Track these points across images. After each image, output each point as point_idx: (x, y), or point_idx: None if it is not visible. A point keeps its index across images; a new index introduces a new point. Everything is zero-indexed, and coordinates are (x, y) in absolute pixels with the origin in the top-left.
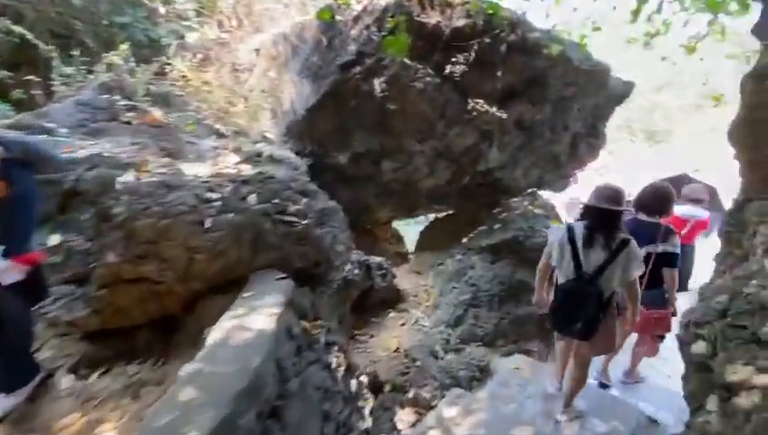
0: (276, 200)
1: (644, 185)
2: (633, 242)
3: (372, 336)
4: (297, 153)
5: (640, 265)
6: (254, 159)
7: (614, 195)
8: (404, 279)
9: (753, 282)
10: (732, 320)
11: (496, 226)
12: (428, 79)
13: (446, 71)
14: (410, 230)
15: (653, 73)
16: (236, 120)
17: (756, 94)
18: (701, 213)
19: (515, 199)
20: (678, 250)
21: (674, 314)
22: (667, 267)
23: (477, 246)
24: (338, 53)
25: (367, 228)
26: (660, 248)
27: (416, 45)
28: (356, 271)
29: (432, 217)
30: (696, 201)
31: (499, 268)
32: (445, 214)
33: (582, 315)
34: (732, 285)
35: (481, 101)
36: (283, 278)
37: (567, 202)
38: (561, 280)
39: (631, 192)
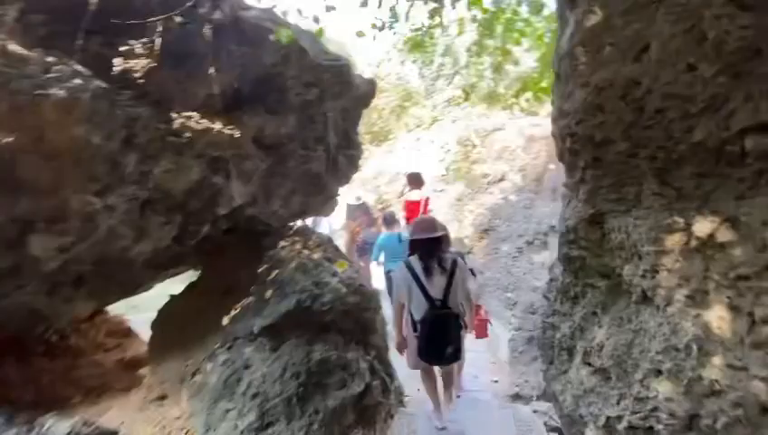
0: None
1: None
2: (460, 259)
3: None
4: None
5: (471, 275)
6: None
7: (431, 225)
8: (139, 421)
9: (717, 362)
10: None
11: (268, 294)
12: (79, 82)
13: (117, 68)
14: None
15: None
16: None
17: (599, 69)
18: (425, 193)
19: (284, 244)
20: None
21: None
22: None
23: (248, 330)
24: None
25: (51, 342)
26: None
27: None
28: None
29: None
30: (418, 184)
31: (288, 354)
32: (188, 284)
33: (449, 340)
34: (670, 364)
35: (194, 114)
36: None
37: (348, 205)
38: (417, 315)
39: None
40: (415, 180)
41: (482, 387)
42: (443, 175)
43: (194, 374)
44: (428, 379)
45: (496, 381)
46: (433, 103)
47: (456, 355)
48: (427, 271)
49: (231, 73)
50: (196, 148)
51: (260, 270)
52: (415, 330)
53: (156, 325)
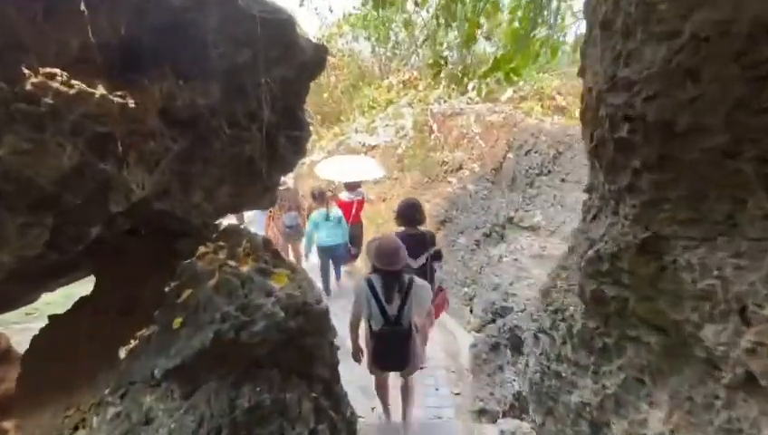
0: None
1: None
2: (417, 279)
3: None
4: None
5: (429, 293)
6: None
7: (395, 253)
8: None
9: None
10: None
11: (177, 323)
12: None
13: None
14: None
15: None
16: None
17: (699, 8)
18: (359, 195)
19: (205, 250)
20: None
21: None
22: (436, 261)
23: (147, 373)
24: None
25: None
26: (432, 251)
27: None
28: None
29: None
30: (352, 188)
31: (205, 403)
32: (77, 300)
33: (399, 351)
34: None
35: (59, 72)
36: None
37: (317, 191)
38: (374, 327)
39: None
40: (350, 186)
41: (443, 402)
42: (397, 162)
43: (76, 429)
44: (381, 386)
45: (458, 394)
46: (388, 84)
47: (404, 364)
48: (388, 294)
49: (116, 17)
50: (68, 120)
51: (168, 288)
52: (372, 338)
53: (28, 357)
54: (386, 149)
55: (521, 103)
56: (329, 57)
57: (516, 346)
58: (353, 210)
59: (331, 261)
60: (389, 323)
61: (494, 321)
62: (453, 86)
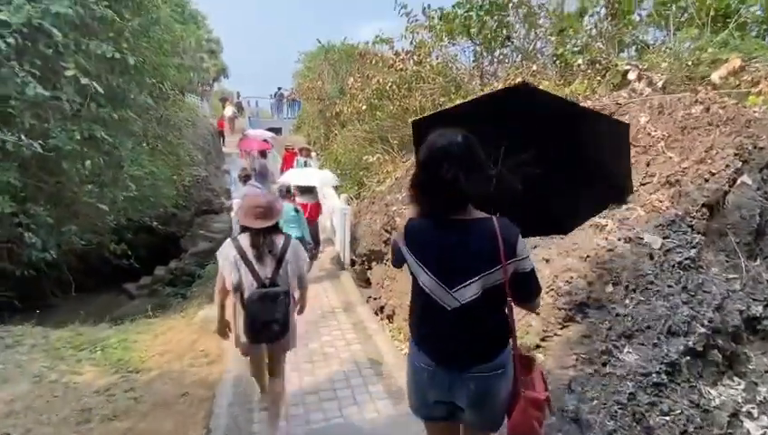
0: None
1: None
2: (292, 237)
3: None
4: None
5: (305, 253)
6: None
7: (267, 210)
8: None
9: None
10: None
11: None
12: None
13: None
14: None
15: None
16: None
17: None
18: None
19: None
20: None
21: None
22: (522, 299)
23: None
24: None
25: None
26: (510, 267)
27: None
28: None
29: None
30: (307, 192)
31: None
32: None
33: (274, 317)
34: None
35: None
36: None
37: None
38: (246, 294)
39: None
40: (303, 190)
41: None
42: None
43: None
44: (257, 365)
45: None
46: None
47: (282, 333)
48: (259, 257)
49: None
50: None
51: None
52: (244, 307)
53: None
54: None
55: (754, 87)
56: (417, 69)
57: None
58: (307, 212)
59: None
60: (264, 286)
61: None
62: (599, 78)
